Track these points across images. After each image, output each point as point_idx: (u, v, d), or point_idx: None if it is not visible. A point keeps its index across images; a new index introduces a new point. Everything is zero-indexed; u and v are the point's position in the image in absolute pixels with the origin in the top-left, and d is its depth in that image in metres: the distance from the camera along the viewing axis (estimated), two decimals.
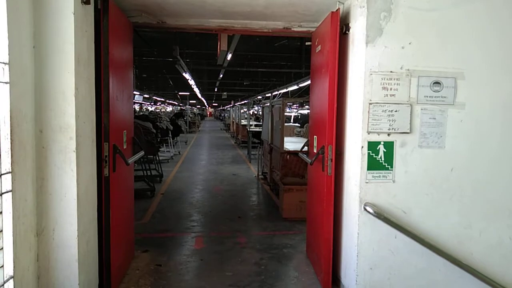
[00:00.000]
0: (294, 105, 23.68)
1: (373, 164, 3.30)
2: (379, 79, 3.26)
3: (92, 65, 3.12)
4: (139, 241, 4.97)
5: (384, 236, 3.34)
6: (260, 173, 9.76)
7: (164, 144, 13.38)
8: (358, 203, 3.32)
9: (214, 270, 4.18)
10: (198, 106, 61.20)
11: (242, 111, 19.16)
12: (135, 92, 18.17)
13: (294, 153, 6.66)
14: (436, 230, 3.34)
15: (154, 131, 7.72)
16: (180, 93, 27.60)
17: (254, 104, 20.63)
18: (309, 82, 11.73)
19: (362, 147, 3.28)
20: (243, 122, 17.89)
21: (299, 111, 20.88)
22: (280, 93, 13.71)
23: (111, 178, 3.28)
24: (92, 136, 3.12)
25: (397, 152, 3.32)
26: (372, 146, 3.29)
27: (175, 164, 11.91)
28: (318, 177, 3.82)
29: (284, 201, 6.16)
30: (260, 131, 14.50)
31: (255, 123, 16.88)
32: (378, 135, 3.29)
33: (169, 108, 35.74)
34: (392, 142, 3.32)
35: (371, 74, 3.25)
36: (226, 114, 39.71)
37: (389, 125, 3.29)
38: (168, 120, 12.83)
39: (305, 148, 4.48)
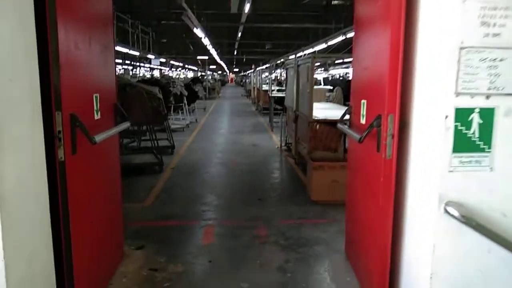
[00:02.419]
0: (320, 68, 22.08)
1: (461, 143, 2.14)
2: (476, 8, 2.05)
3: None
4: (135, 232, 4.02)
5: (472, 250, 2.22)
6: (283, 144, 8.67)
7: (180, 111, 12.39)
8: (436, 201, 2.19)
9: (225, 278, 3.19)
10: (219, 72, 59.85)
11: (263, 75, 17.87)
12: (149, 56, 17.09)
13: (326, 122, 5.50)
14: None
15: (161, 96, 6.67)
16: (199, 57, 26.34)
17: (276, 67, 19.25)
18: (339, 38, 10.38)
19: (447, 116, 2.12)
20: (265, 87, 16.64)
21: (330, 72, 19.17)
22: (305, 54, 12.35)
23: (69, 163, 2.25)
24: (33, 102, 2.07)
25: (499, 124, 2.15)
26: (462, 115, 2.12)
27: (190, 133, 10.93)
28: (370, 159, 2.70)
29: (313, 181, 5.08)
30: (283, 97, 13.26)
31: (277, 88, 15.62)
32: (472, 98, 2.11)
33: (191, 74, 34.64)
34: (492, 109, 2.13)
35: (464, 1, 2.04)
36: (247, 80, 38.38)
37: (489, 82, 2.10)
38: (183, 85, 11.74)
39: (344, 117, 3.35)
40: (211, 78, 36.29)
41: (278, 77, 26.03)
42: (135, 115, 6.28)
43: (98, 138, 2.46)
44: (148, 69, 28.99)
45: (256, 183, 6.00)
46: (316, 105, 5.96)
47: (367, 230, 2.80)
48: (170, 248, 3.68)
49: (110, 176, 3.10)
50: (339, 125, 3.23)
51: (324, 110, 6.57)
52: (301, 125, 6.34)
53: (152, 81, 8.77)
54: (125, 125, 3.13)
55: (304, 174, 6.31)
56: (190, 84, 15.06)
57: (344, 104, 9.94)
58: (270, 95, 12.53)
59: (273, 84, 14.79)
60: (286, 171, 6.80)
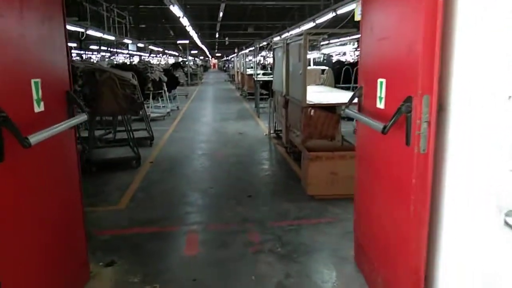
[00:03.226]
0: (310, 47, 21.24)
1: None
2: None
3: None
4: (105, 244, 3.41)
5: None
6: (271, 131, 8.07)
7: (159, 98, 11.64)
8: (491, 210, 1.64)
9: None
10: (201, 58, 58.59)
11: (247, 59, 17.14)
12: (126, 40, 16.17)
13: (322, 107, 4.92)
14: None
15: (135, 82, 5.97)
16: (179, 42, 25.31)
17: (261, 50, 18.52)
18: (329, 16, 9.71)
19: (510, 97, 1.55)
20: (249, 71, 15.95)
21: (323, 51, 18.05)
22: (291, 34, 11.68)
23: None
24: None
25: None
26: None
27: (171, 122, 10.23)
28: (395, 155, 2.11)
29: (309, 173, 4.51)
30: (269, 81, 12.64)
31: (262, 72, 14.95)
32: None
33: (172, 60, 33.55)
34: None
35: None
36: (230, 65, 37.51)
37: None
38: (162, 70, 10.97)
39: (352, 101, 2.76)
40: (193, 63, 35.26)
41: (262, 61, 25.28)
42: (107, 104, 5.60)
43: (35, 138, 1.82)
44: (127, 56, 27.89)
45: (244, 176, 5.40)
46: (308, 89, 5.36)
47: (391, 242, 2.24)
48: (146, 263, 3.08)
49: (62, 180, 2.45)
50: (349, 112, 2.63)
51: (318, 94, 5.98)
52: (292, 111, 5.75)
53: (126, 66, 8.01)
54: (80, 118, 2.47)
55: (297, 165, 5.75)
56: (170, 69, 14.27)
57: (335, 87, 9.38)
58: (255, 79, 11.87)
59: (258, 67, 14.10)
60: (277, 162, 6.22)
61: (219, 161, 6.21)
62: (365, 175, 2.66)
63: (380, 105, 2.31)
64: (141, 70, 9.51)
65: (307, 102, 4.85)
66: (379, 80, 2.31)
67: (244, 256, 3.19)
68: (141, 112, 6.83)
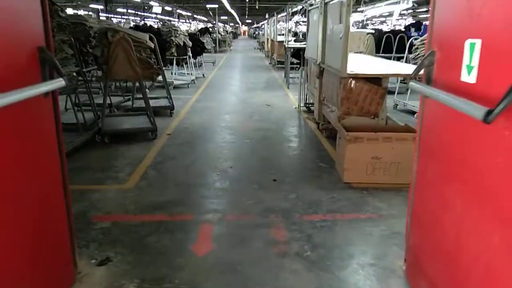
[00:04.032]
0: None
1: None
2: None
3: None
4: (104, 233, 2.90)
5: None
6: (302, 104, 7.35)
7: (184, 65, 11.03)
8: None
9: None
10: (231, 24, 57.27)
11: (278, 25, 16.14)
12: (152, 2, 15.45)
13: (366, 79, 4.17)
14: None
15: (152, 45, 5.34)
16: (208, 6, 24.38)
17: (292, 15, 17.43)
18: None
19: None
20: (280, 38, 15.01)
21: (366, 13, 16.00)
22: None
23: None
24: None
25: None
26: None
27: (195, 90, 9.64)
28: (505, 155, 1.40)
29: (346, 157, 3.83)
30: (300, 49, 11.74)
31: (294, 38, 14.00)
32: None
33: (202, 26, 32.66)
34: None
35: None
36: (260, 32, 36.28)
37: None
38: (187, 34, 10.29)
39: (418, 71, 2.03)
40: (222, 30, 34.25)
41: (293, 28, 24.07)
42: (119, 68, 5.04)
43: None
44: (156, 21, 27.22)
45: (270, 155, 4.78)
46: (351, 57, 4.59)
47: (476, 274, 1.57)
48: (147, 264, 2.54)
49: (32, 162, 1.88)
50: (417, 86, 1.91)
51: (360, 63, 5.18)
52: (328, 82, 5.01)
53: (144, 27, 7.37)
54: (54, 84, 1.87)
55: (330, 144, 5.07)
56: (196, 34, 13.56)
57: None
58: (286, 46, 11.02)
59: (289, 33, 13.17)
60: (307, 139, 5.55)
61: (242, 136, 5.59)
62: (435, 172, 1.96)
63: (469, 77, 1.59)
64: (162, 33, 8.87)
65: (348, 72, 4.10)
66: (469, 41, 1.59)
67: (266, 260, 2.60)
68: (160, 78, 6.25)
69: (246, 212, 3.28)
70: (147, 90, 9.23)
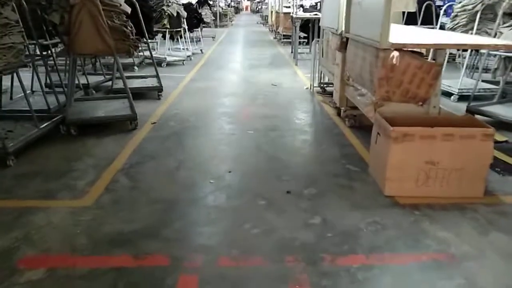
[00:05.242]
0: None
1: None
2: None
3: None
4: None
5: None
6: (314, 84, 6.20)
7: (179, 39, 9.80)
8: None
9: None
10: None
11: None
12: None
13: (415, 52, 3.03)
14: None
15: (127, 10, 4.18)
16: None
17: None
18: None
19: None
20: (286, 10, 13.66)
21: None
22: None
23: None
24: None
25: None
26: None
27: (191, 68, 8.46)
28: None
29: (390, 161, 2.73)
30: (309, 20, 10.48)
31: (302, 9, 12.66)
32: None
33: None
34: None
35: None
36: (264, 6, 34.63)
37: None
38: (181, 4, 9.03)
39: None
40: (224, 3, 32.58)
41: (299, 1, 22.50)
42: (86, 39, 3.91)
43: None
44: None
45: (280, 153, 3.68)
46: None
47: None
48: None
49: None
50: None
51: (402, 31, 3.99)
52: (355, 57, 3.84)
53: None
54: None
55: (357, 137, 3.97)
56: (194, 5, 12.24)
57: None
58: (293, 17, 9.73)
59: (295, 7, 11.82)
60: (326, 130, 4.41)
61: (244, 125, 4.48)
62: None
63: None
64: (152, 1, 7.64)
65: (391, 42, 2.94)
66: None
67: None
68: (139, 53, 5.10)
69: (249, 251, 2.20)
70: (135, 67, 8.15)
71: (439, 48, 3.06)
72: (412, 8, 5.65)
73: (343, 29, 4.25)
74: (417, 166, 2.72)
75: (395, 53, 2.95)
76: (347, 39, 4.17)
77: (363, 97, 3.56)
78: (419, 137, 2.69)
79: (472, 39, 3.70)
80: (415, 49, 3.17)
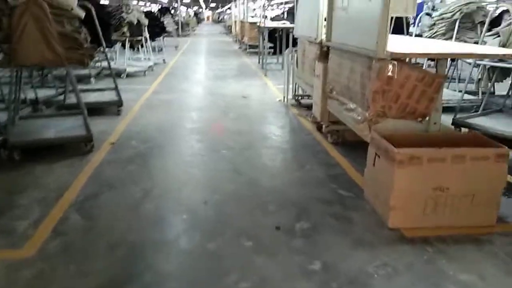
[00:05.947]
0: None
1: None
2: None
3: None
4: None
5: None
6: (288, 96, 5.83)
7: (140, 48, 9.21)
8: None
9: None
10: (194, 8, 54.76)
11: (249, 3, 14.48)
12: None
13: (413, 63, 2.69)
14: None
15: (81, 14, 3.63)
16: None
17: None
18: None
19: None
20: (252, 19, 13.36)
21: None
22: None
23: None
24: None
25: None
26: None
27: (154, 79, 7.89)
28: None
29: (395, 189, 2.35)
30: (276, 30, 10.19)
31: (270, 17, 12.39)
32: None
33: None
34: None
35: None
36: (226, 16, 34.43)
37: None
38: (142, 11, 8.48)
39: None
40: (185, 13, 32.00)
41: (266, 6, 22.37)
42: (30, 48, 3.33)
43: None
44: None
45: (261, 176, 3.24)
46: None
47: None
48: None
49: None
50: None
51: (399, 41, 3.66)
52: (340, 68, 3.49)
53: None
54: None
55: (341, 154, 3.59)
56: (155, 14, 11.69)
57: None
58: (260, 25, 9.40)
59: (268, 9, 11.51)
60: (308, 148, 4.02)
61: (216, 144, 4.01)
62: None
63: None
64: (111, 8, 7.06)
65: (387, 52, 2.59)
66: None
67: None
68: (96, 63, 4.53)
69: None
70: (92, 79, 7.49)
71: (442, 58, 2.74)
72: (412, 12, 5.40)
73: (323, 37, 3.91)
74: (425, 193, 2.36)
75: (393, 64, 2.60)
76: (328, 48, 3.82)
77: (352, 112, 3.20)
78: (427, 160, 2.33)
79: (479, 48, 3.44)
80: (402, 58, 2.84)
